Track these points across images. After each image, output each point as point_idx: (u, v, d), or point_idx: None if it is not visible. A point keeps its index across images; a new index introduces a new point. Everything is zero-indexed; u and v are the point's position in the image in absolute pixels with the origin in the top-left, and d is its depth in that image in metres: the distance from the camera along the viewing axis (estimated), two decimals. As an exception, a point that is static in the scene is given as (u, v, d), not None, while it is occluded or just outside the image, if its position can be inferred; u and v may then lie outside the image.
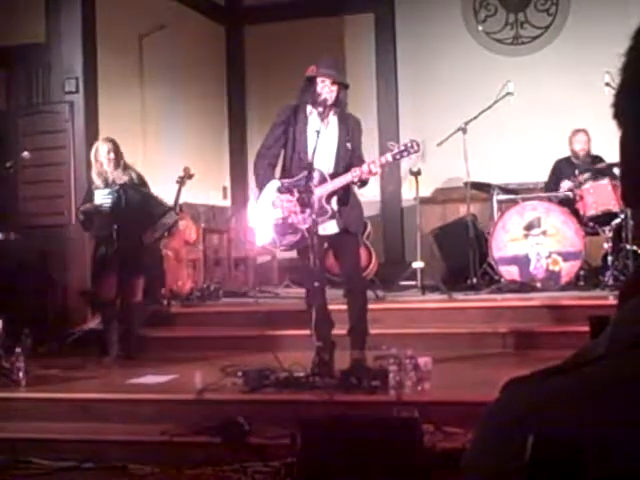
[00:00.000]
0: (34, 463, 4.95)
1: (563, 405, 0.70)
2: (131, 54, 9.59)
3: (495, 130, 9.47)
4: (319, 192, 5.56)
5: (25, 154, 7.39)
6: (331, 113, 5.71)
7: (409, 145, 5.64)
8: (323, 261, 5.84)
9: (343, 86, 5.76)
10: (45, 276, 8.15)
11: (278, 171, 5.87)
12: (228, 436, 4.82)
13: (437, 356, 5.76)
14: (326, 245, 5.80)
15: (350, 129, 5.76)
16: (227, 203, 11.23)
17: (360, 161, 5.72)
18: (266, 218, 5.71)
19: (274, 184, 5.70)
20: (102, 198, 6.88)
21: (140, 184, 7.07)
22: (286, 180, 5.70)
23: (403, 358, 5.15)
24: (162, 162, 9.51)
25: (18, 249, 8.24)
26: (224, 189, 11.30)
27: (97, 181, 6.97)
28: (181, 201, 8.26)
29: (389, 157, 5.62)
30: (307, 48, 10.96)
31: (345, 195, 5.73)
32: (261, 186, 5.74)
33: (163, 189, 8.59)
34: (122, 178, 6.95)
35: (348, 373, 5.34)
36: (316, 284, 5.50)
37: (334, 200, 5.68)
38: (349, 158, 5.73)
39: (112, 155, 6.92)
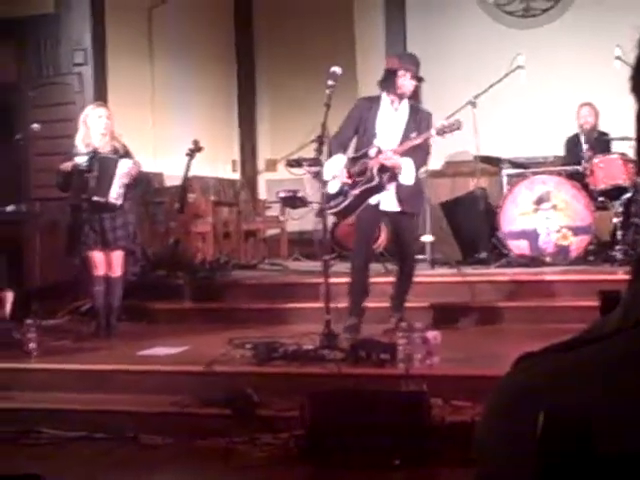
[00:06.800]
0: (45, 433, 5.00)
1: (575, 380, 0.70)
2: (140, 25, 9.56)
3: (505, 104, 9.40)
4: (372, 163, 6.04)
5: (35, 126, 7.31)
6: (403, 101, 6.15)
7: (452, 123, 6.14)
8: (373, 233, 6.44)
9: (420, 81, 6.20)
10: (55, 248, 8.14)
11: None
12: (238, 408, 4.86)
13: (446, 330, 5.77)
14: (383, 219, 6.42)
15: (418, 121, 6.15)
16: (237, 176, 11.23)
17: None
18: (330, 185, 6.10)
19: (342, 159, 6.12)
20: (80, 164, 6.57)
21: (124, 155, 6.72)
22: (352, 154, 6.24)
23: (412, 332, 5.16)
24: (171, 134, 9.50)
25: (29, 220, 8.26)
26: (233, 162, 11.28)
27: (80, 146, 6.66)
28: (191, 174, 8.27)
29: (433, 132, 6.10)
30: (317, 17, 10.89)
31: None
32: (330, 154, 6.18)
33: (172, 162, 8.58)
34: (105, 148, 6.66)
35: (357, 346, 5.37)
36: (325, 257, 5.80)
37: (390, 177, 6.07)
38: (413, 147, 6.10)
39: (102, 121, 6.63)
